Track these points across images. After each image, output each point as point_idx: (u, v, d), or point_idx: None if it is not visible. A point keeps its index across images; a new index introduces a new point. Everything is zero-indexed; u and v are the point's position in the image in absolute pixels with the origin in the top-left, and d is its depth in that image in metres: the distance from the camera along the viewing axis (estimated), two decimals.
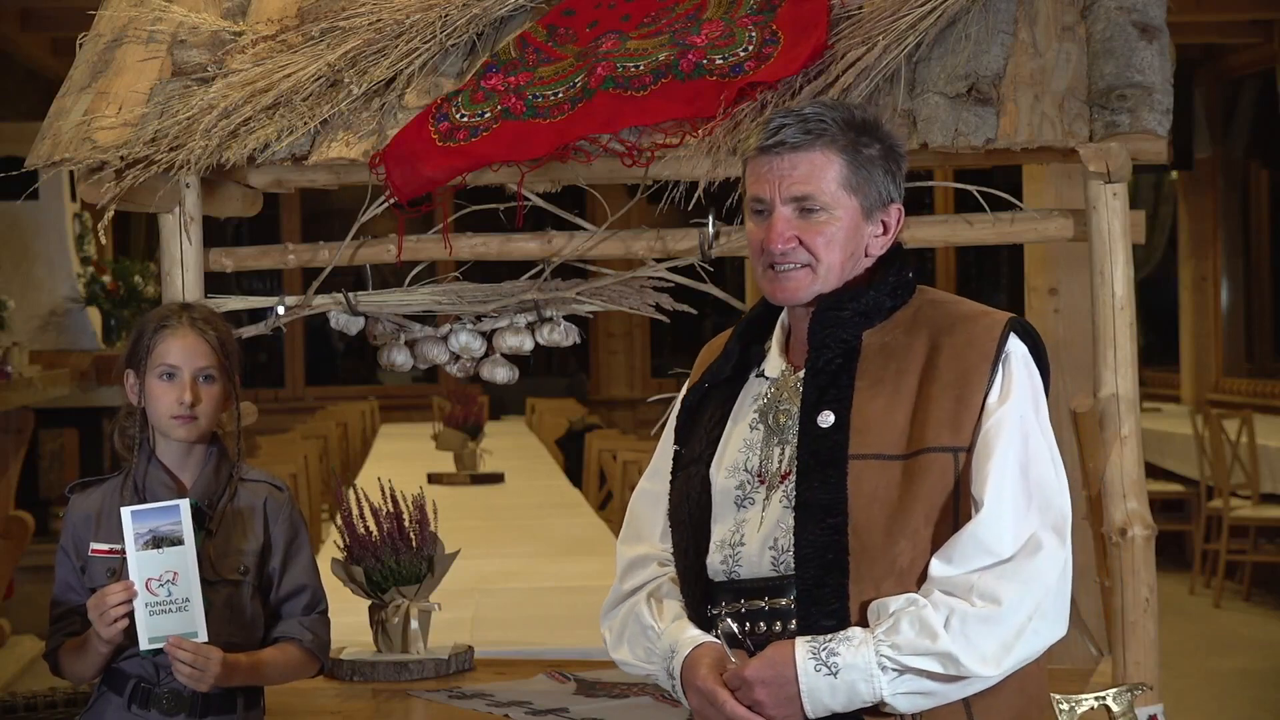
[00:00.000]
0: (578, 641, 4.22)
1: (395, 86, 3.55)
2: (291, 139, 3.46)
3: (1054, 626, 2.42)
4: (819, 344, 2.54)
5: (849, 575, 2.42)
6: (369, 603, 3.79)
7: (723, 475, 2.58)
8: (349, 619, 3.73)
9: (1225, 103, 12.16)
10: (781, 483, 2.51)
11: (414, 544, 3.76)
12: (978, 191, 3.46)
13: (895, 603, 2.40)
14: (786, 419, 2.55)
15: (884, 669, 2.37)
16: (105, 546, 2.97)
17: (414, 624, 3.75)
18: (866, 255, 2.57)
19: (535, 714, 3.40)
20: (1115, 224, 3.28)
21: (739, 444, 2.59)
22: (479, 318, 3.68)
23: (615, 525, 7.53)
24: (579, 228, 3.59)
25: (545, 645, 4.24)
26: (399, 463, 8.84)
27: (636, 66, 3.41)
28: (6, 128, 9.42)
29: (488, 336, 3.69)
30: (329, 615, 3.14)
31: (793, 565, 2.46)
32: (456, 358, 3.71)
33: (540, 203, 3.56)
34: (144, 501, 2.93)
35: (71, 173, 3.60)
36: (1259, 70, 11.36)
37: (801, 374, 2.55)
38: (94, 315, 10.22)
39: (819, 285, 2.54)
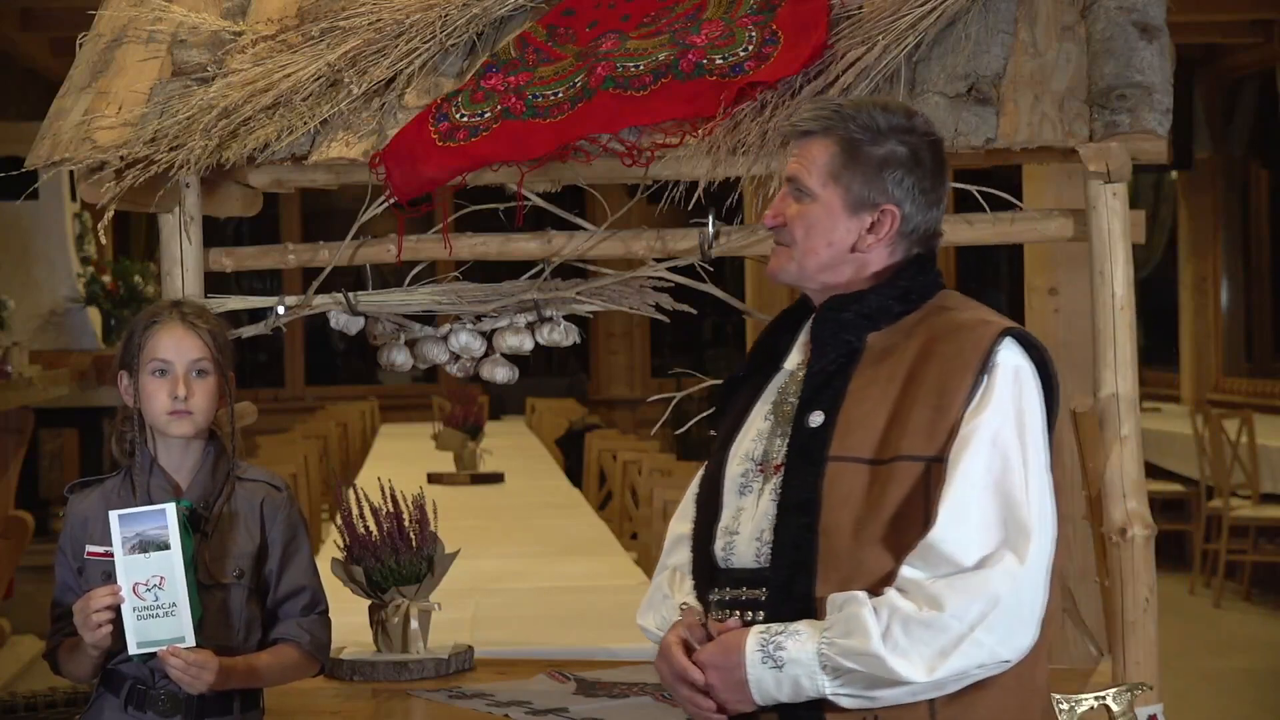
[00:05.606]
0: (578, 641, 4.22)
1: (395, 86, 3.55)
2: (291, 139, 3.46)
3: (1003, 643, 2.35)
4: (821, 344, 2.56)
5: (816, 576, 2.42)
6: (369, 603, 3.79)
7: (735, 463, 2.61)
8: (349, 619, 3.72)
9: (1225, 103, 12.16)
10: (775, 474, 2.53)
11: (414, 544, 3.76)
12: (978, 191, 3.46)
13: (842, 598, 2.38)
14: (791, 412, 2.56)
15: (824, 667, 2.36)
16: (101, 549, 2.92)
17: (414, 624, 3.75)
18: (854, 251, 2.56)
19: (535, 714, 3.40)
20: (1115, 224, 3.28)
21: (754, 433, 2.61)
22: (479, 318, 3.68)
23: (615, 525, 7.54)
24: (579, 228, 3.59)
25: (545, 645, 4.24)
26: (399, 463, 8.83)
27: (636, 66, 3.41)
28: (6, 128, 9.43)
29: (488, 336, 3.69)
30: (329, 616, 3.11)
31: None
32: (456, 358, 3.71)
33: (540, 203, 3.56)
34: (144, 505, 2.91)
35: (71, 173, 3.60)
36: (1259, 70, 11.37)
37: None
38: (94, 315, 10.24)
39: (795, 268, 2.58)
